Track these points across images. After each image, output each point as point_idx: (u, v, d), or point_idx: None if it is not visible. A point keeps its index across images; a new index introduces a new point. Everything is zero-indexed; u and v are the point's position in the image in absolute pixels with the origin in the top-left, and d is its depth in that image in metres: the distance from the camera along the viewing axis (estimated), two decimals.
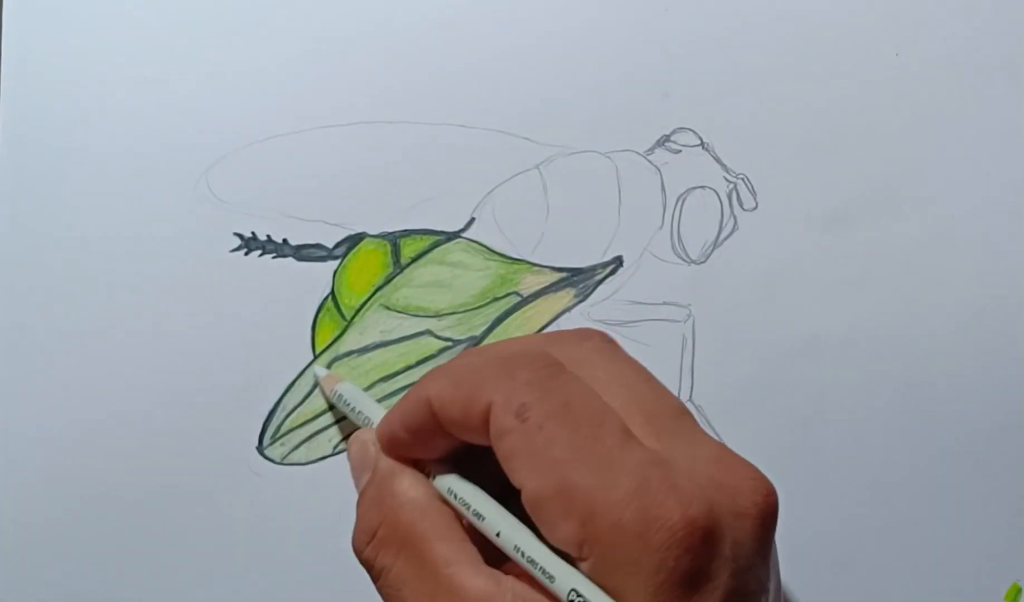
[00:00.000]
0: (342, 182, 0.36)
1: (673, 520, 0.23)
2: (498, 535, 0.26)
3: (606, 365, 0.27)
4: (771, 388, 0.36)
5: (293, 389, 0.35)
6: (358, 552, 0.28)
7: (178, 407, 0.35)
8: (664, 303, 0.36)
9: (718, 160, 0.36)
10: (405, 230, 0.36)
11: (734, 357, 0.36)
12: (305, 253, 0.35)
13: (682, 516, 0.23)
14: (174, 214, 0.35)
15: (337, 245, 0.35)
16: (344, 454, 0.35)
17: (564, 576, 0.24)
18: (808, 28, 0.36)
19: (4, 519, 0.34)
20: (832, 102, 0.36)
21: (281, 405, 0.35)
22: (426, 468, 0.28)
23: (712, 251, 0.36)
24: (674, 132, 0.36)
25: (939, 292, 0.36)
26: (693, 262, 0.36)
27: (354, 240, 0.35)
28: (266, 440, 0.35)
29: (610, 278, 0.36)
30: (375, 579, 0.27)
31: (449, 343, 0.35)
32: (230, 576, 0.34)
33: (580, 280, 0.36)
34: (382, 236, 0.36)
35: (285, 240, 0.35)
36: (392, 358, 0.35)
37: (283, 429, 0.35)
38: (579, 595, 0.23)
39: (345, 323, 0.35)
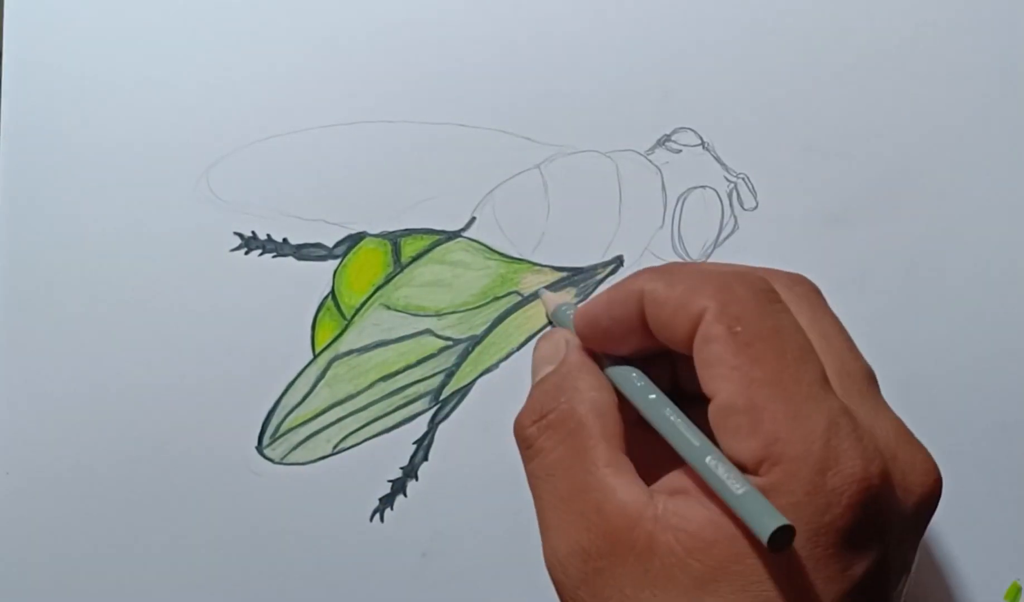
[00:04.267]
0: (342, 182, 0.36)
1: (854, 469, 0.23)
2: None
3: (811, 312, 0.27)
4: None
5: (293, 388, 0.35)
6: (521, 427, 0.28)
7: (178, 406, 0.35)
8: None
9: (718, 160, 0.36)
10: (405, 229, 0.36)
11: None
12: (305, 252, 0.35)
13: (863, 468, 0.23)
14: (174, 214, 0.35)
15: (337, 244, 0.35)
16: (343, 454, 0.35)
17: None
18: (808, 28, 0.37)
19: (4, 518, 0.34)
20: (832, 102, 0.36)
21: (281, 405, 0.35)
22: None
23: (712, 251, 0.36)
24: (674, 132, 0.36)
25: (939, 292, 0.36)
26: (694, 261, 0.36)
27: (354, 239, 0.35)
28: (265, 440, 0.35)
29: (611, 277, 0.36)
30: (528, 458, 0.28)
31: (449, 342, 0.35)
32: (229, 575, 0.34)
33: (581, 279, 0.36)
34: (382, 235, 0.36)
35: (285, 239, 0.35)
36: (392, 357, 0.35)
37: (282, 429, 0.35)
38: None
39: (345, 322, 0.35)
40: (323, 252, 0.35)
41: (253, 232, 0.35)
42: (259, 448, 0.35)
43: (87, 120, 0.35)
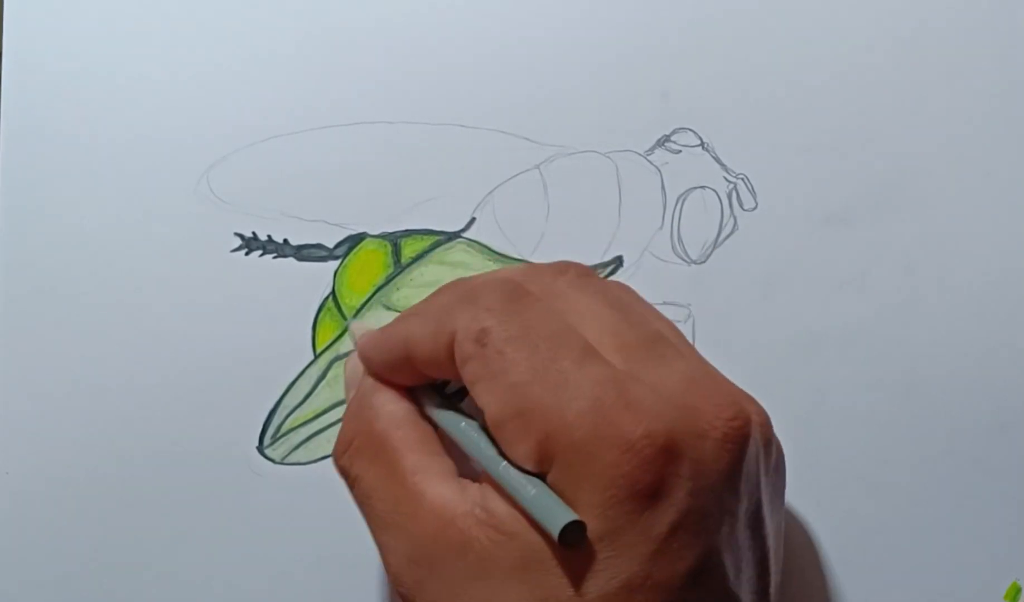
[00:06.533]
0: (342, 182, 0.36)
1: (624, 438, 0.23)
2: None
3: (579, 298, 0.27)
4: (771, 388, 0.35)
5: (294, 389, 0.35)
6: (335, 460, 0.29)
7: (178, 407, 0.35)
8: (664, 303, 0.36)
9: (718, 160, 0.36)
10: (406, 230, 0.36)
11: (734, 357, 0.36)
12: (306, 253, 0.35)
13: (632, 433, 0.23)
14: (174, 214, 0.35)
15: (338, 245, 0.35)
16: None
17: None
18: (808, 28, 0.37)
19: (4, 518, 0.34)
20: (832, 102, 0.36)
21: (282, 405, 0.35)
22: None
23: (712, 251, 0.36)
24: (674, 132, 0.36)
25: (939, 292, 0.36)
26: (693, 262, 0.36)
27: (355, 240, 0.35)
28: (266, 440, 0.35)
29: (610, 278, 0.36)
30: (350, 488, 0.28)
31: None
32: (230, 576, 0.34)
33: None
34: (383, 236, 0.36)
35: (286, 240, 0.35)
36: None
37: (283, 429, 0.35)
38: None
39: (346, 323, 0.35)
40: (324, 253, 0.35)
41: (253, 232, 0.35)
42: (260, 448, 0.35)
43: (87, 120, 0.35)
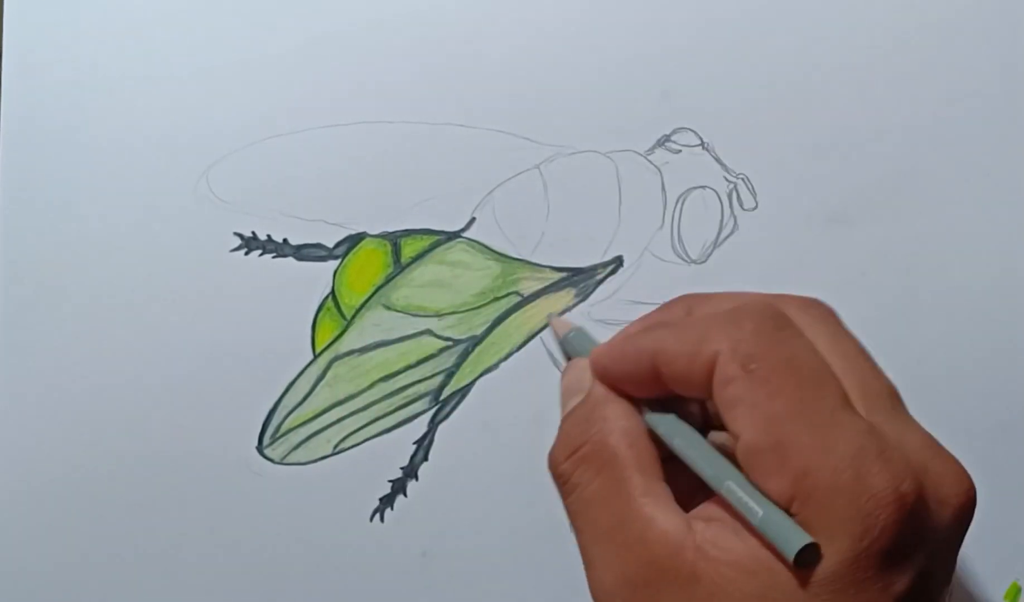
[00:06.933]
0: (342, 182, 0.36)
1: (885, 491, 0.23)
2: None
3: (828, 334, 0.27)
4: None
5: (293, 389, 0.35)
6: (555, 463, 0.28)
7: (178, 407, 0.35)
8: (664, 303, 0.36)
9: (718, 160, 0.36)
10: (405, 230, 0.36)
11: None
12: (305, 253, 0.35)
13: (894, 489, 0.23)
14: (174, 214, 0.35)
15: (337, 245, 0.35)
16: (343, 454, 0.35)
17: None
18: (808, 28, 0.37)
19: (4, 519, 0.34)
20: (832, 102, 0.36)
21: (281, 405, 0.35)
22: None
23: (712, 251, 0.36)
24: (674, 132, 0.36)
25: (939, 292, 0.36)
26: (693, 262, 0.36)
27: (354, 240, 0.35)
28: (266, 440, 0.35)
29: (610, 278, 0.36)
30: (565, 493, 0.28)
31: (449, 342, 0.35)
32: (230, 575, 0.34)
33: (580, 280, 0.36)
34: (382, 236, 0.36)
35: (285, 240, 0.35)
36: (392, 357, 0.35)
37: (283, 429, 0.35)
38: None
39: (345, 323, 0.35)
40: (323, 252, 0.35)
41: (253, 232, 0.35)
42: (259, 448, 0.35)
43: (87, 120, 0.35)
